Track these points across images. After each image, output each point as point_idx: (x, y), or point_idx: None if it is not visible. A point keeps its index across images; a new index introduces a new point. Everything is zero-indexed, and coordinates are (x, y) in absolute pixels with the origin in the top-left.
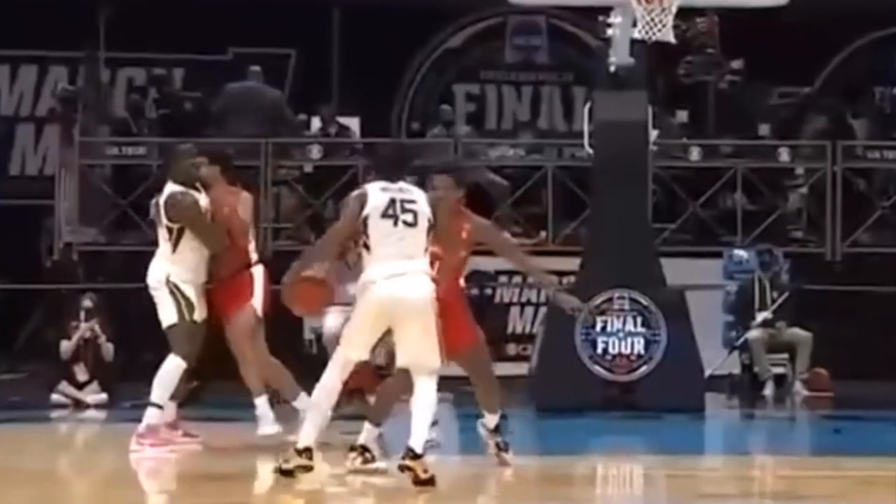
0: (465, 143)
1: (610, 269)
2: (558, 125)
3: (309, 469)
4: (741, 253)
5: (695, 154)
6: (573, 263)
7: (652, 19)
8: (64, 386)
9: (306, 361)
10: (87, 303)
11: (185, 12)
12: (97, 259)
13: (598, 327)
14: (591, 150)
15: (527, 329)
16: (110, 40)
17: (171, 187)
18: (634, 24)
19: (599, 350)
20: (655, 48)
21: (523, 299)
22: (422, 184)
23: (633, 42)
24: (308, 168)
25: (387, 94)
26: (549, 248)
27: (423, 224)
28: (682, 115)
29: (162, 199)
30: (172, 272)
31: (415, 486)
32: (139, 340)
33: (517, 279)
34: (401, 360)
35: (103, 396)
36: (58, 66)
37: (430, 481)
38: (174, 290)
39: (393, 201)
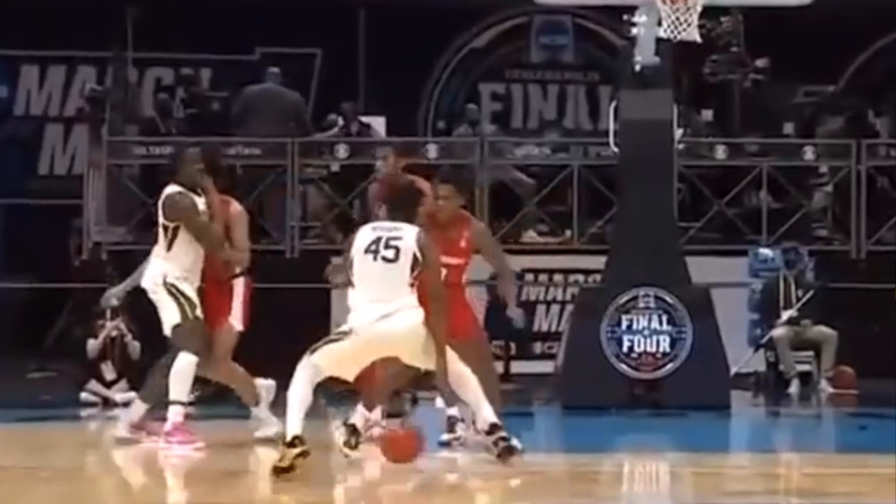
0: (490, 142)
1: (635, 268)
2: (584, 124)
3: (305, 454)
4: (766, 251)
5: (720, 153)
6: (599, 262)
7: (677, 18)
8: (92, 384)
9: None
10: (113, 302)
11: (212, 12)
12: (125, 258)
13: (624, 325)
14: (616, 149)
15: (553, 327)
16: (138, 40)
17: (171, 188)
18: (659, 24)
19: (625, 348)
20: (680, 47)
21: (549, 297)
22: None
23: (659, 41)
24: (335, 167)
25: (413, 94)
26: (574, 246)
27: (406, 260)
28: (708, 114)
29: (161, 198)
30: (168, 271)
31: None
32: (166, 339)
33: (543, 277)
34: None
35: (131, 395)
36: (86, 67)
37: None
38: (172, 290)
39: (378, 239)
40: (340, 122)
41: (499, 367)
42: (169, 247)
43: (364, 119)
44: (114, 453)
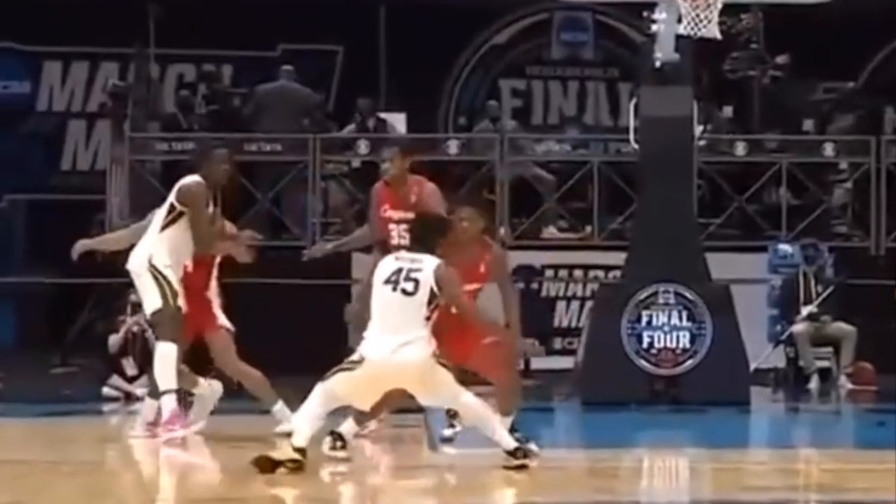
0: (511, 139)
1: (655, 264)
2: (604, 120)
3: (299, 466)
4: (786, 247)
5: (740, 149)
6: (619, 258)
7: (697, 15)
8: (114, 379)
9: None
10: (133, 297)
11: (233, 9)
12: None
13: (644, 321)
14: (636, 146)
15: (573, 323)
16: (160, 37)
17: (193, 176)
18: (680, 20)
19: (645, 344)
20: (700, 44)
21: (569, 293)
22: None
23: (679, 38)
24: (356, 163)
25: (433, 90)
26: (594, 242)
27: (424, 293)
28: (727, 111)
29: (181, 182)
30: (155, 254)
31: None
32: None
33: (563, 273)
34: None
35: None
36: (109, 63)
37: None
38: (157, 275)
39: (399, 270)
40: (357, 118)
41: (519, 363)
42: (164, 228)
43: (383, 115)
44: (135, 448)
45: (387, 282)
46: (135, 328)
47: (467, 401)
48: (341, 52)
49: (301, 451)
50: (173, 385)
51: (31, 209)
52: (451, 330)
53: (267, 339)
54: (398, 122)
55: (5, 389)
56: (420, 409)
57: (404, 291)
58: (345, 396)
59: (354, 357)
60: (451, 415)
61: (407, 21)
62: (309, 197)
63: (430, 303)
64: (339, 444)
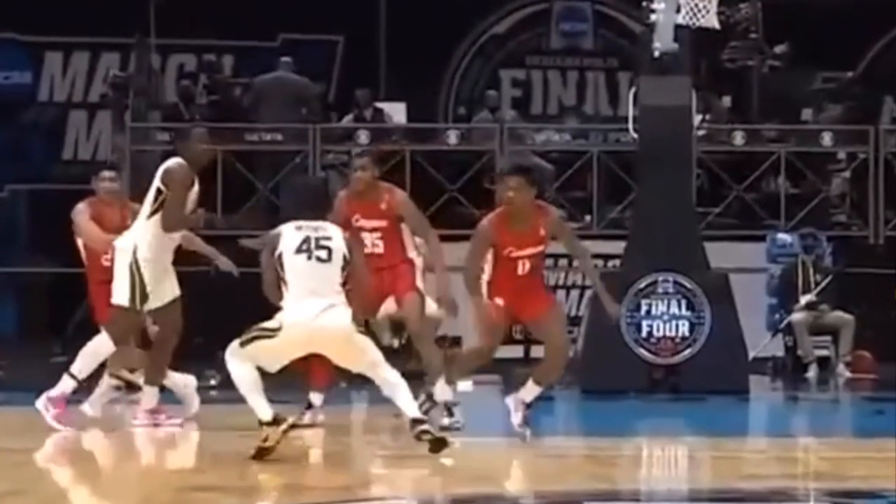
0: (510, 128)
1: (654, 253)
2: (603, 110)
3: (291, 428)
4: (784, 236)
5: (738, 139)
6: (618, 247)
7: (696, 5)
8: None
9: None
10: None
11: None
12: None
13: (643, 310)
14: (635, 135)
15: (572, 312)
16: (161, 27)
17: (176, 159)
18: (678, 10)
19: (644, 333)
20: (699, 34)
21: (569, 282)
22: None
23: (678, 27)
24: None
25: (433, 80)
26: (593, 231)
27: (338, 260)
28: (726, 101)
29: (164, 165)
30: (140, 244)
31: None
32: (188, 324)
33: (563, 262)
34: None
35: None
36: (110, 53)
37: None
38: (134, 270)
39: (307, 238)
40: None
41: (519, 351)
42: (151, 214)
43: (383, 105)
44: (135, 436)
45: (298, 251)
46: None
47: (383, 373)
48: (342, 42)
49: (276, 417)
50: (83, 376)
51: (33, 199)
52: (518, 289)
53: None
54: (398, 111)
55: (6, 378)
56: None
57: (319, 259)
58: (259, 361)
59: (272, 324)
60: (449, 406)
61: (407, 11)
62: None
63: (343, 269)
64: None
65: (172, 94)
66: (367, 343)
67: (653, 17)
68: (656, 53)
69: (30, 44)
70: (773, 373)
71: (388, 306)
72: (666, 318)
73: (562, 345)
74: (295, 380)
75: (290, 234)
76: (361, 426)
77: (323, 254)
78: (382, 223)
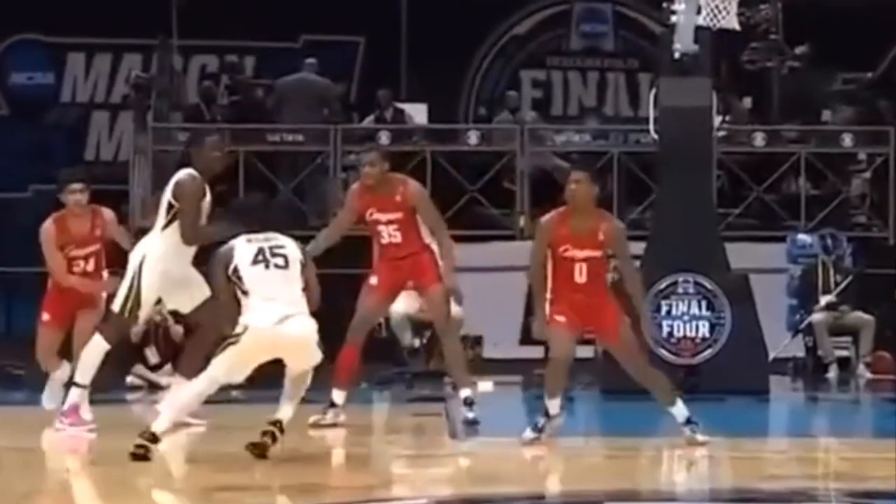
0: (530, 129)
1: (675, 254)
2: (624, 111)
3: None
4: (805, 237)
5: (759, 140)
6: (638, 248)
7: (716, 6)
8: (138, 368)
9: (376, 345)
10: None
11: (256, 0)
12: None
13: (664, 311)
14: (656, 136)
15: None
16: (183, 28)
17: (188, 170)
18: (699, 12)
19: (664, 333)
20: (719, 35)
21: None
22: None
23: (698, 29)
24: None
25: (454, 81)
26: None
27: (295, 266)
28: (747, 102)
29: (175, 178)
30: (149, 254)
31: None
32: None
33: None
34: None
35: (178, 378)
36: (132, 54)
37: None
38: (135, 278)
39: (261, 249)
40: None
41: (539, 351)
42: (165, 227)
43: (404, 106)
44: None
45: (255, 262)
46: (157, 318)
47: (305, 377)
48: (363, 43)
49: (158, 437)
50: (86, 381)
51: (56, 199)
52: (580, 302)
53: None
54: (419, 112)
55: (29, 378)
56: (440, 398)
57: (277, 266)
58: (231, 371)
59: (237, 329)
60: (468, 403)
61: (428, 12)
62: (330, 186)
63: (301, 273)
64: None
65: (194, 94)
66: (317, 353)
67: (673, 18)
68: (677, 55)
69: (53, 45)
70: (793, 373)
71: (410, 304)
72: (686, 319)
73: (638, 369)
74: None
75: (242, 248)
76: (383, 426)
77: (280, 261)
78: (398, 215)
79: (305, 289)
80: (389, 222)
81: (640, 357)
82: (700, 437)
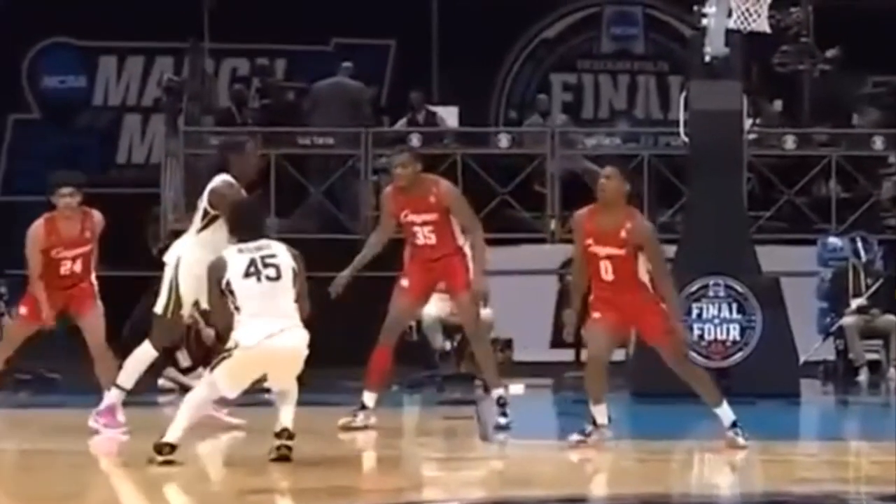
0: (561, 132)
1: (705, 257)
2: (654, 114)
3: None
4: (835, 240)
5: (789, 143)
6: (669, 251)
7: (747, 9)
8: (170, 371)
9: (407, 348)
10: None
11: (287, 3)
12: None
13: (694, 314)
14: (686, 139)
15: None
16: (214, 31)
17: (224, 177)
18: (730, 15)
19: (695, 336)
20: (750, 37)
21: None
22: None
23: (729, 32)
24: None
25: (485, 84)
26: None
27: (288, 276)
28: (777, 105)
29: (211, 185)
30: (184, 257)
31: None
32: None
33: None
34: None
35: None
36: (163, 57)
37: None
38: (173, 283)
39: (252, 261)
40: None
41: (570, 354)
42: (200, 230)
43: (435, 109)
44: (192, 439)
45: (247, 275)
46: (188, 320)
47: (292, 388)
48: (394, 46)
49: (172, 447)
50: (129, 385)
51: (87, 202)
52: (612, 299)
53: (323, 331)
54: (450, 115)
55: (62, 381)
56: (472, 401)
57: (269, 278)
58: (224, 385)
59: (229, 345)
60: (501, 403)
61: (459, 15)
62: (361, 190)
63: (294, 283)
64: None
65: (225, 98)
66: (300, 366)
67: (704, 21)
68: (707, 58)
69: (85, 48)
70: (823, 376)
71: (442, 307)
72: (717, 322)
73: (685, 370)
74: (346, 381)
75: (234, 260)
76: (414, 429)
77: (272, 272)
78: (433, 216)
79: (297, 299)
80: (424, 223)
81: (686, 357)
82: (741, 441)
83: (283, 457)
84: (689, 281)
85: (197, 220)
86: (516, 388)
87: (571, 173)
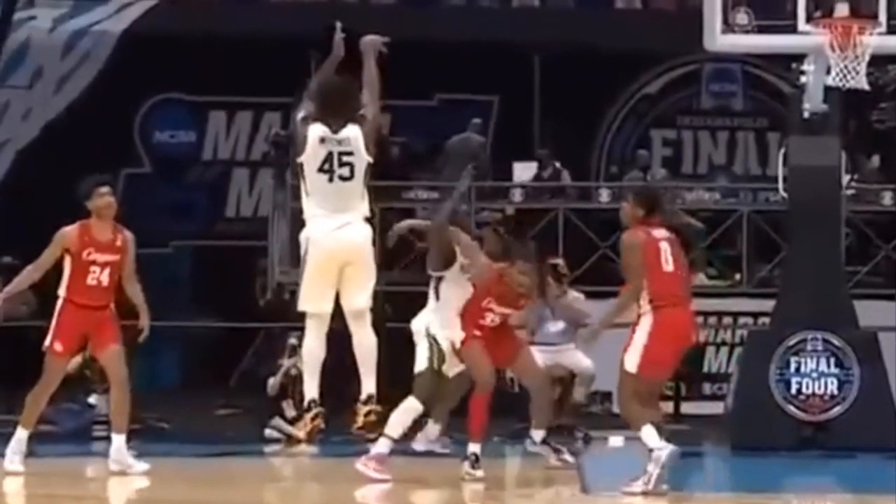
0: (661, 187)
1: (804, 311)
2: (753, 169)
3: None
4: None
5: (887, 199)
6: (767, 305)
7: (846, 66)
8: (276, 421)
9: (503, 397)
10: (292, 340)
11: (391, 59)
12: None
13: (793, 367)
14: (785, 195)
15: (722, 368)
16: None
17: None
18: (828, 72)
19: (793, 390)
20: (848, 94)
21: (718, 339)
22: None
23: (827, 89)
24: (509, 210)
25: (586, 140)
26: (743, 289)
27: (360, 174)
28: (875, 160)
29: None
30: (432, 321)
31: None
32: (343, 376)
33: (712, 320)
34: (344, 304)
35: None
36: (271, 112)
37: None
38: (431, 340)
39: (330, 156)
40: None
41: (669, 407)
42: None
43: (558, 165)
44: (302, 489)
45: (321, 170)
46: (293, 371)
47: (365, 328)
48: (496, 102)
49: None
50: (395, 435)
51: (196, 255)
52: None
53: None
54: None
55: (171, 430)
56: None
57: (341, 177)
58: (312, 299)
59: (302, 250)
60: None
61: (560, 71)
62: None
63: (365, 178)
64: (476, 463)
65: None
66: (373, 272)
67: (803, 78)
68: (806, 114)
69: (195, 104)
70: None
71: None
72: (815, 376)
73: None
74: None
75: (314, 148)
76: (514, 479)
77: (346, 171)
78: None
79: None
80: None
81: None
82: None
83: (369, 423)
84: (788, 335)
85: (431, 291)
86: (616, 440)
87: (671, 227)
